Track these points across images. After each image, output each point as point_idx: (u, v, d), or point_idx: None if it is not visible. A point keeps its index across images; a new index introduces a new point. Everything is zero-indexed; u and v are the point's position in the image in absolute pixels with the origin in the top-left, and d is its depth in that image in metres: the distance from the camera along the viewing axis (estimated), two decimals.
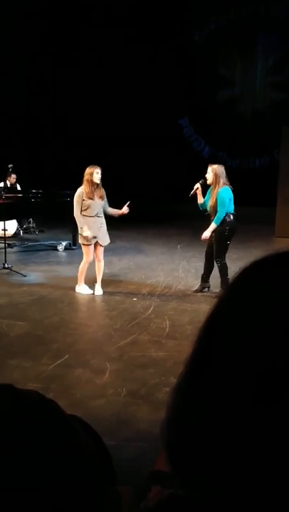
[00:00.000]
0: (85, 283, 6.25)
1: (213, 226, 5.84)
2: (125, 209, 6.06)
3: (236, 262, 8.13)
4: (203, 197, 5.99)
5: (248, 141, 13.55)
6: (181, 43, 13.60)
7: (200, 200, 5.99)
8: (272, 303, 0.42)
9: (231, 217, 5.89)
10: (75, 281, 6.91)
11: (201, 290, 6.26)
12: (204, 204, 6.00)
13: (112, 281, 6.86)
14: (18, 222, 10.25)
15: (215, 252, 5.96)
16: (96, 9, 13.43)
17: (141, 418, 3.33)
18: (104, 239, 6.16)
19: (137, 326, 5.15)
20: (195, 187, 5.97)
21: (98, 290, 6.24)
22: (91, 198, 5.90)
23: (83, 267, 6.20)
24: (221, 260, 5.96)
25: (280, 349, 0.40)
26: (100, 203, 5.98)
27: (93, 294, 6.18)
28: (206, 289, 6.27)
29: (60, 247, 9.10)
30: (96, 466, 0.65)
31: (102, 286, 6.29)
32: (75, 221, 8.73)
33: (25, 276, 7.05)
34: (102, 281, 6.29)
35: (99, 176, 5.91)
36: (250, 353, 0.41)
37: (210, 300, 5.81)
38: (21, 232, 10.40)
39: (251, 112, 13.80)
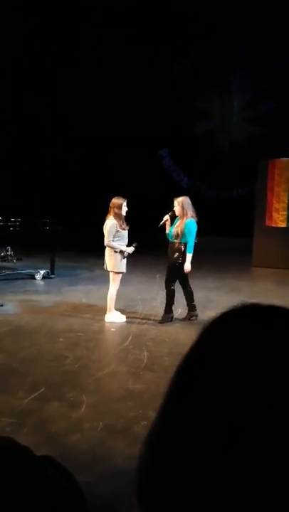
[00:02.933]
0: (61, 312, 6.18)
1: (189, 256, 6.14)
2: (130, 249, 6.18)
3: (214, 291, 8.19)
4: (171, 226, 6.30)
5: (226, 173, 13.88)
6: (159, 77, 13.99)
7: (167, 230, 6.30)
8: (239, 357, 0.44)
9: (182, 248, 6.17)
10: (53, 311, 6.83)
11: (189, 318, 6.44)
12: (170, 234, 6.29)
13: (90, 310, 6.81)
14: None
15: (167, 277, 6.33)
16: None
17: (118, 453, 3.25)
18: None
19: (115, 357, 5.09)
20: (164, 218, 6.26)
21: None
22: (124, 229, 6.16)
23: (114, 295, 6.31)
24: (171, 286, 6.31)
25: (245, 403, 0.41)
26: (127, 234, 6.22)
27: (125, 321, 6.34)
28: (194, 318, 6.42)
29: (38, 276, 9.02)
30: (67, 509, 0.64)
31: (84, 314, 6.23)
32: (54, 250, 8.71)
33: (1, 305, 6.94)
34: (85, 309, 6.25)
35: (125, 208, 6.15)
36: (217, 406, 0.42)
37: (188, 332, 5.80)
38: None
39: (228, 144, 14.19)
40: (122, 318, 6.35)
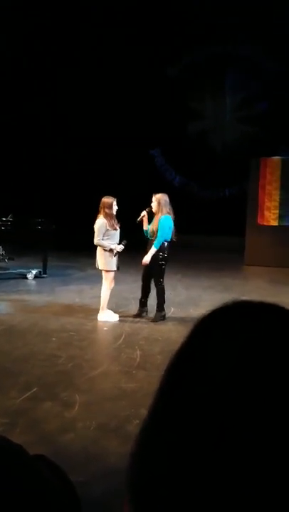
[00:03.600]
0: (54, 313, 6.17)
1: (153, 250, 6.17)
2: (120, 247, 6.17)
3: (208, 290, 8.22)
4: (149, 224, 6.32)
5: (218, 172, 13.92)
6: (154, 78, 14.00)
7: (145, 226, 6.34)
8: (230, 354, 0.44)
9: (166, 244, 6.21)
10: (45, 310, 6.81)
11: (140, 315, 6.48)
12: (148, 231, 6.32)
13: (83, 309, 6.80)
14: None
15: (154, 276, 6.31)
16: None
17: (111, 452, 3.25)
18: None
19: (108, 357, 5.09)
20: (142, 214, 6.31)
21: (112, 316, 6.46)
22: (115, 229, 6.15)
23: (108, 294, 6.33)
24: (160, 283, 6.30)
25: (236, 399, 0.41)
26: (118, 234, 6.18)
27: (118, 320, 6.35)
28: (145, 313, 6.49)
29: (30, 276, 8.99)
30: (59, 508, 0.64)
31: (77, 314, 6.22)
32: (46, 249, 8.69)
33: None
34: (78, 309, 6.24)
35: (116, 207, 6.16)
36: (207, 403, 0.42)
37: (181, 329, 5.82)
38: None
39: (221, 143, 14.22)
40: (114, 318, 6.35)
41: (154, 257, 6.18)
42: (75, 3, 13.31)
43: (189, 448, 0.42)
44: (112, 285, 6.36)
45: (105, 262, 6.20)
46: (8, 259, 10.47)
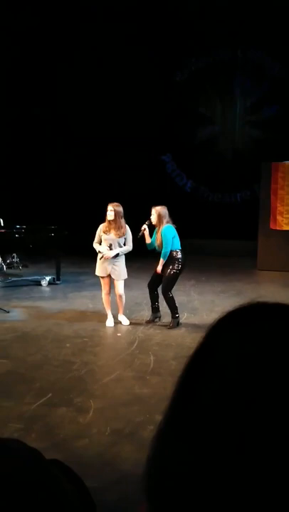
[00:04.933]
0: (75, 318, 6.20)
1: (161, 261, 6.20)
2: (102, 247, 6.22)
3: (220, 294, 8.18)
4: (150, 237, 6.32)
5: (229, 176, 13.88)
6: (163, 83, 14.05)
7: (147, 240, 6.32)
8: (246, 356, 0.43)
9: (179, 253, 6.22)
10: (59, 316, 6.85)
11: (152, 320, 6.51)
12: (151, 244, 6.33)
13: (96, 315, 6.82)
14: (1, 257, 10.20)
15: (164, 286, 6.27)
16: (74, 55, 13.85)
17: (125, 458, 3.26)
18: (118, 274, 6.28)
19: (122, 362, 5.10)
20: (142, 228, 6.28)
21: (123, 320, 6.49)
22: (105, 233, 6.18)
23: (103, 298, 6.48)
24: (168, 295, 6.28)
25: (253, 402, 0.41)
26: (116, 240, 6.16)
27: (112, 326, 6.39)
28: (158, 319, 6.53)
29: (44, 282, 9.05)
30: None
31: (90, 320, 6.26)
32: (59, 256, 8.76)
33: (8, 312, 6.97)
34: (91, 315, 6.25)
35: (110, 213, 6.17)
36: (225, 404, 0.42)
37: (195, 335, 5.80)
38: (4, 267, 10.33)
39: (231, 148, 14.19)
40: (109, 323, 6.39)
41: (170, 270, 6.18)
42: (77, 4, 13.38)
43: (208, 454, 0.42)
44: (104, 291, 6.39)
45: (96, 266, 6.36)
46: (22, 267, 10.56)
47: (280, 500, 0.39)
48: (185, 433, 0.45)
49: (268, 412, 0.41)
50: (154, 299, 6.52)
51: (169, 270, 6.20)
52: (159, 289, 6.42)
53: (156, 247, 6.28)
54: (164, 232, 6.13)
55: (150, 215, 6.31)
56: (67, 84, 14.05)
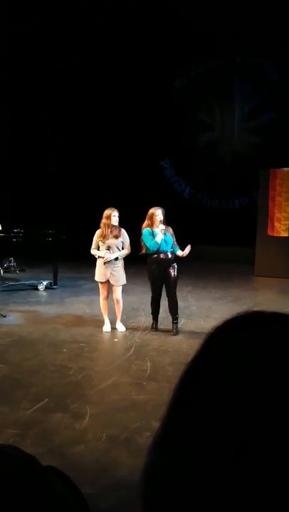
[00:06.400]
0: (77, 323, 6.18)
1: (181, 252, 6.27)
2: (101, 252, 6.19)
3: (217, 300, 8.18)
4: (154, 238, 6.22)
5: (228, 183, 13.92)
6: (162, 89, 14.11)
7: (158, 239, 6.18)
8: (243, 365, 0.43)
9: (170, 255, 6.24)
10: (56, 321, 6.84)
11: (157, 327, 6.52)
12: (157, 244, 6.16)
13: (93, 321, 6.81)
14: None
15: (173, 288, 6.28)
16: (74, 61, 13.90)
17: (121, 464, 3.24)
18: (117, 279, 6.27)
19: (118, 368, 5.08)
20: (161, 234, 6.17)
21: (119, 327, 6.44)
22: (104, 241, 6.16)
23: (100, 303, 6.49)
24: (176, 297, 6.32)
25: (250, 411, 0.41)
26: (114, 243, 6.14)
27: (109, 332, 6.39)
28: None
29: (41, 287, 9.04)
30: None
31: (87, 325, 6.25)
32: (56, 260, 8.76)
33: (4, 316, 6.95)
34: (88, 320, 6.25)
35: (116, 218, 6.17)
36: (223, 413, 0.42)
37: (192, 341, 5.80)
38: (1, 271, 10.32)
39: (230, 154, 14.24)
40: (106, 329, 6.39)
41: (174, 269, 6.20)
42: (76, 9, 13.41)
43: (206, 462, 0.41)
44: (102, 296, 6.39)
45: (95, 272, 6.34)
46: (19, 271, 10.55)
47: (279, 510, 0.39)
48: (182, 441, 0.45)
49: (267, 421, 0.41)
50: (159, 305, 6.47)
51: (173, 272, 6.20)
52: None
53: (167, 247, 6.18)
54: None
55: (146, 218, 6.23)
56: (67, 90, 14.10)
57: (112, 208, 6.22)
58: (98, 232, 6.24)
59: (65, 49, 13.71)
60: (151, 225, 6.13)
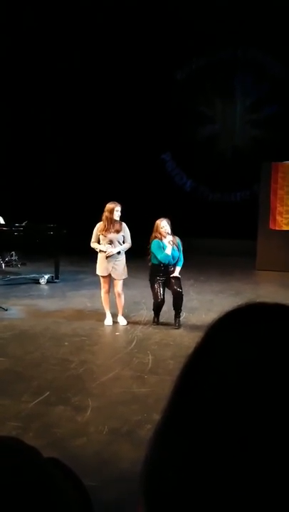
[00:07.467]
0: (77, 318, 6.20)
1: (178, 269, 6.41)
2: (102, 246, 6.17)
3: (219, 294, 8.19)
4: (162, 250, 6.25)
5: (229, 176, 13.88)
6: (163, 82, 14.04)
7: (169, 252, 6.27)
8: (245, 356, 0.43)
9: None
10: (57, 315, 6.85)
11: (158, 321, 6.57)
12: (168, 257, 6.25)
13: (95, 314, 6.82)
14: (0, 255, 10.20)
15: (179, 285, 6.35)
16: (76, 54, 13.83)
17: (123, 457, 3.26)
18: (119, 273, 6.27)
19: (120, 361, 5.10)
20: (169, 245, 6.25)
21: (121, 321, 6.44)
22: (105, 235, 6.13)
23: (102, 297, 6.48)
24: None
25: (251, 402, 0.41)
26: (115, 237, 6.12)
27: (111, 325, 6.39)
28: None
29: (43, 281, 9.05)
30: None
31: (89, 318, 6.26)
32: (58, 254, 8.74)
33: (6, 310, 6.96)
34: (89, 313, 6.26)
35: (119, 213, 6.14)
36: (224, 405, 0.42)
37: (193, 334, 5.80)
38: (3, 265, 10.33)
39: (231, 147, 14.19)
40: (108, 322, 6.39)
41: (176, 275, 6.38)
42: (76, 4, 13.33)
43: (207, 454, 0.41)
44: (104, 290, 6.39)
45: (97, 265, 6.32)
46: (20, 265, 10.56)
47: (281, 503, 0.39)
48: (183, 433, 0.44)
49: (268, 413, 0.41)
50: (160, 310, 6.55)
51: (176, 282, 6.30)
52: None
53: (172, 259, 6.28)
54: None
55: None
56: (67, 82, 14.03)
57: (115, 202, 6.19)
58: (99, 225, 6.22)
59: (65, 42, 13.62)
60: (159, 237, 6.17)
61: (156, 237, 6.19)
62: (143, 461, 0.48)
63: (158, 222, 6.24)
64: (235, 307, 0.49)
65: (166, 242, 6.15)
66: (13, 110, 13.96)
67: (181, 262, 6.36)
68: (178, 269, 6.36)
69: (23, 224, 9.44)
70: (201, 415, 0.43)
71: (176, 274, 6.34)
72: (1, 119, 13.70)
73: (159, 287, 6.30)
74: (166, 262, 6.22)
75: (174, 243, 6.21)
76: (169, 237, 6.16)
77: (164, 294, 6.33)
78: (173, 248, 6.20)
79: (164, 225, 6.17)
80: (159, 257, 6.15)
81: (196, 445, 0.43)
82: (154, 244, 6.17)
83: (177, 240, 6.27)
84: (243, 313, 0.48)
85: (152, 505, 0.46)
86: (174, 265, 6.32)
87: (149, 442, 0.48)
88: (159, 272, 6.29)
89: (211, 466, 0.41)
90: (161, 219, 6.26)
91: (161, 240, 6.16)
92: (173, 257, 6.23)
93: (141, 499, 0.47)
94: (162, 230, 6.14)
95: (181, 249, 6.35)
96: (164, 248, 6.16)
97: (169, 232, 6.18)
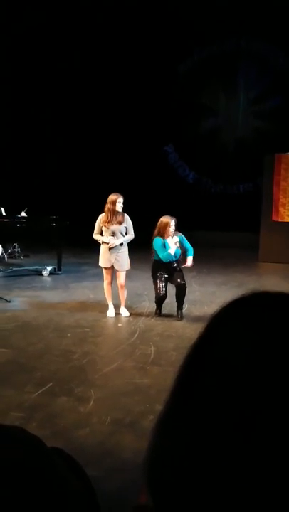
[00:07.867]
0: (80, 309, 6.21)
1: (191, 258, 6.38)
2: (105, 238, 6.17)
3: (221, 286, 8.19)
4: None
5: (232, 168, 13.82)
6: (166, 74, 13.94)
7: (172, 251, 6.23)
8: (249, 345, 0.43)
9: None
10: (60, 306, 6.87)
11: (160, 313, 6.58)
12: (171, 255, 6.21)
13: (97, 306, 6.84)
14: (2, 246, 10.21)
15: (182, 277, 6.35)
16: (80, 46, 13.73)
17: (125, 447, 3.28)
18: (121, 264, 6.25)
19: (122, 353, 5.12)
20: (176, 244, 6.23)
21: (123, 312, 6.45)
22: (108, 226, 6.11)
23: (104, 288, 6.48)
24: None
25: (254, 391, 0.41)
26: (118, 228, 6.10)
27: (113, 317, 6.40)
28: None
29: (45, 272, 9.06)
30: (75, 502, 0.65)
31: (91, 310, 6.27)
32: (60, 246, 8.72)
33: (9, 301, 6.98)
34: (92, 305, 6.27)
35: (121, 205, 6.11)
36: (228, 393, 0.42)
37: (195, 326, 5.81)
38: (6, 256, 10.34)
39: (234, 139, 14.11)
40: (110, 314, 6.39)
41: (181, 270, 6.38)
42: (82, 2, 13.24)
43: (210, 444, 0.42)
44: (106, 281, 6.39)
45: (99, 257, 6.31)
46: (23, 256, 10.57)
47: (283, 494, 0.39)
48: (186, 423, 0.44)
49: (272, 401, 0.41)
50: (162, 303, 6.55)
51: (179, 275, 6.30)
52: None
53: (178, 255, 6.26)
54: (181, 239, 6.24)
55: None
56: (70, 72, 13.95)
57: (117, 194, 6.16)
58: (102, 217, 6.21)
59: (66, 35, 13.52)
60: (162, 234, 6.11)
61: (159, 234, 6.13)
62: (146, 450, 0.48)
63: (166, 220, 6.11)
64: (240, 296, 0.49)
65: (171, 243, 6.11)
66: (14, 93, 13.86)
67: (191, 251, 6.29)
68: (190, 258, 6.29)
69: (24, 211, 9.43)
70: (204, 404, 0.43)
71: (190, 262, 6.28)
72: (2, 111, 13.64)
73: (162, 282, 6.29)
74: (168, 261, 6.19)
75: (177, 243, 6.14)
76: (175, 238, 6.11)
77: (166, 289, 6.32)
78: (176, 248, 6.18)
79: (172, 224, 6.09)
80: (161, 255, 6.11)
81: (199, 434, 0.43)
82: (157, 242, 6.14)
83: (179, 236, 6.21)
84: (247, 302, 0.48)
85: (156, 493, 0.46)
86: (177, 261, 6.27)
87: (153, 431, 0.48)
88: (162, 268, 6.26)
89: (214, 455, 0.41)
90: (170, 217, 6.13)
91: (165, 238, 6.11)
92: (175, 255, 6.20)
93: (144, 487, 0.48)
94: (170, 230, 6.08)
95: (186, 240, 6.29)
96: (166, 247, 6.13)
97: (173, 231, 6.12)
